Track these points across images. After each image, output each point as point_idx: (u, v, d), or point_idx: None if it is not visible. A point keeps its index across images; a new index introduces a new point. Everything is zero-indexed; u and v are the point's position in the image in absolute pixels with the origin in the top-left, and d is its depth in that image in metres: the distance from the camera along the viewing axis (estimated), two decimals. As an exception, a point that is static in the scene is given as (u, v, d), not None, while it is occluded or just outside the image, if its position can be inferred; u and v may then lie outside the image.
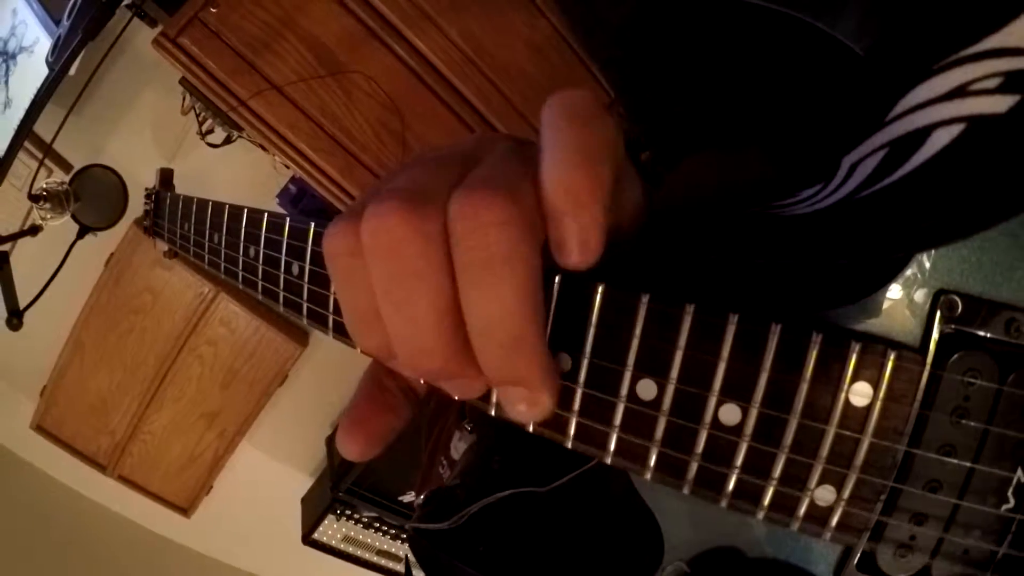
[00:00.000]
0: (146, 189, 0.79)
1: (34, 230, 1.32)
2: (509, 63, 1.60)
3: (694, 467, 0.24)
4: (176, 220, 0.59)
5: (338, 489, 2.05)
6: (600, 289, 0.24)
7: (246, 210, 0.40)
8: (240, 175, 1.99)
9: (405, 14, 1.52)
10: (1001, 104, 0.20)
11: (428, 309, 0.22)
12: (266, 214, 0.37)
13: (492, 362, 0.23)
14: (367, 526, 2.21)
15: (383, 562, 2.28)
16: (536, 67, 1.62)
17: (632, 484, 0.29)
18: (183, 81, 1.54)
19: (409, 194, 0.22)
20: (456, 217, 0.22)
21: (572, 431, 0.25)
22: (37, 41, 1.49)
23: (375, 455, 0.28)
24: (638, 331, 0.24)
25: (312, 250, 0.33)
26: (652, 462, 0.24)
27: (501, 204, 0.21)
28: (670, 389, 0.23)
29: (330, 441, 2.32)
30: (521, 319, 0.22)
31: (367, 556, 2.26)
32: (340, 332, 0.31)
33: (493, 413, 0.26)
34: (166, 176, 0.81)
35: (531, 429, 0.26)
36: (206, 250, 0.48)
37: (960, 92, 0.21)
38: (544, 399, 0.24)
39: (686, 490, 0.24)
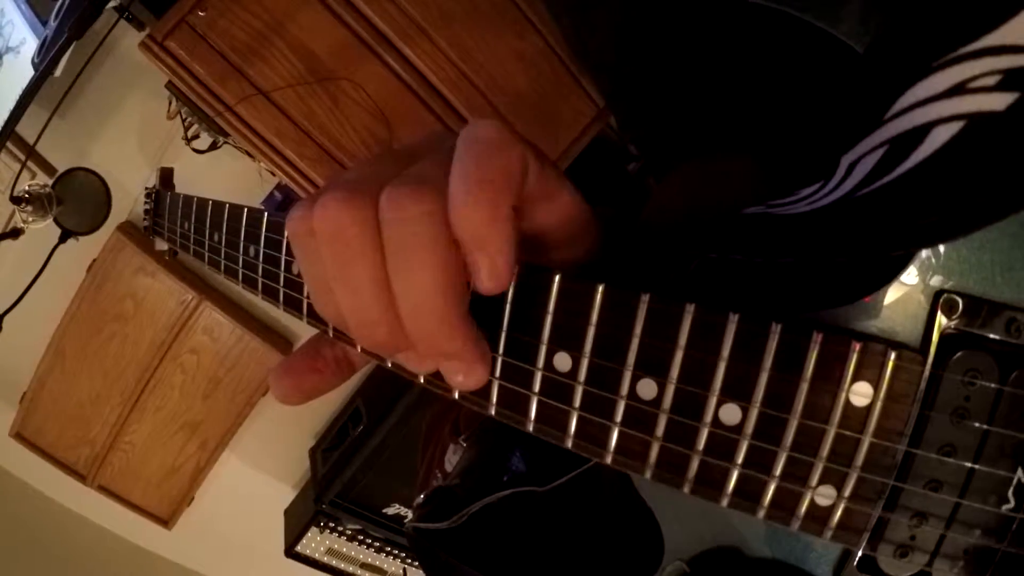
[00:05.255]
0: (146, 188, 0.79)
1: (15, 233, 1.31)
2: (498, 73, 1.61)
3: (694, 467, 0.23)
4: (176, 219, 0.59)
5: (322, 501, 2.03)
6: (600, 289, 0.24)
7: (246, 209, 0.40)
8: (225, 181, 1.98)
9: (394, 23, 1.52)
10: (1000, 102, 0.20)
11: (367, 284, 0.25)
12: (266, 213, 0.37)
13: (420, 340, 0.25)
14: (351, 539, 2.18)
15: (367, 575, 2.26)
16: (525, 77, 1.62)
17: (632, 484, 0.29)
18: (169, 85, 1.53)
19: (350, 185, 0.25)
20: (383, 208, 0.24)
21: (572, 430, 0.25)
22: (24, 42, 1.48)
23: (294, 404, 0.32)
24: (638, 330, 0.24)
25: None
26: (652, 461, 0.24)
27: (420, 198, 0.24)
28: (670, 389, 0.23)
29: (314, 453, 2.29)
30: (439, 302, 0.24)
31: (351, 569, 2.24)
32: (339, 331, 0.31)
33: (493, 413, 0.26)
34: (166, 175, 0.81)
35: (531, 429, 0.26)
36: (206, 249, 0.48)
37: (959, 90, 0.21)
38: (478, 369, 0.26)
39: (686, 489, 0.24)
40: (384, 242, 0.24)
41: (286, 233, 0.30)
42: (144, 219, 0.80)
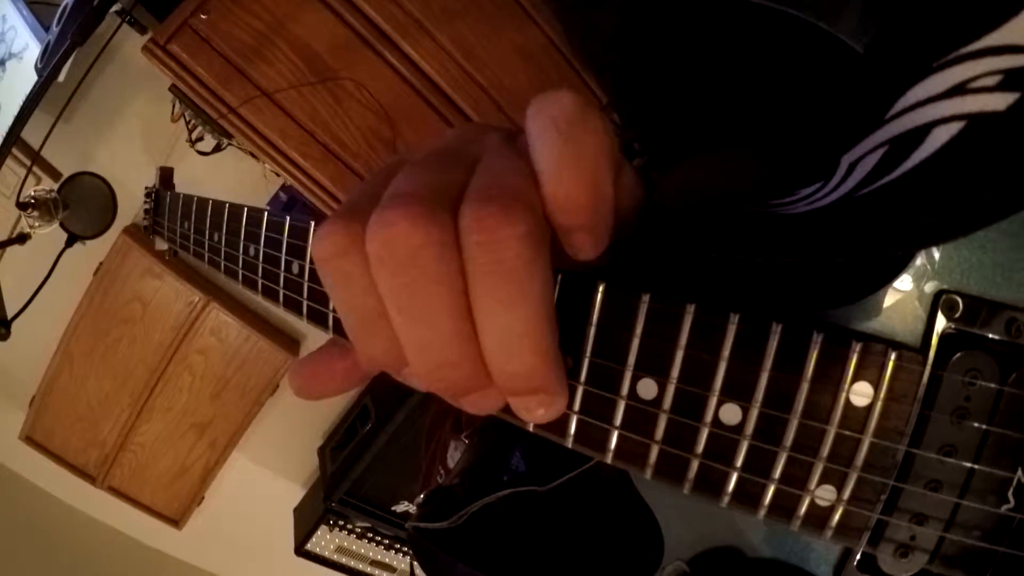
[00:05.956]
0: (146, 188, 0.79)
1: (22, 238, 1.31)
2: (500, 70, 1.61)
3: (695, 467, 0.23)
4: (176, 219, 0.59)
5: (331, 499, 2.04)
6: (601, 288, 0.24)
7: (246, 209, 0.40)
8: (230, 183, 1.98)
9: (397, 21, 1.53)
10: (1001, 102, 0.20)
11: (447, 318, 0.22)
12: (266, 213, 0.37)
13: (509, 378, 0.22)
14: (360, 536, 2.20)
15: (377, 572, 2.27)
16: (528, 74, 1.62)
17: (632, 483, 0.29)
18: (173, 88, 1.53)
19: (419, 201, 0.21)
20: (471, 230, 0.21)
21: (573, 430, 0.25)
22: (27, 47, 1.49)
23: (313, 399, 0.30)
24: (639, 330, 0.24)
25: None
26: (652, 461, 0.24)
27: (517, 216, 0.21)
28: (671, 389, 0.23)
29: (322, 451, 2.30)
30: (542, 329, 0.22)
31: (361, 567, 2.25)
32: (340, 331, 0.31)
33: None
34: (166, 175, 0.81)
35: (531, 429, 0.26)
36: (206, 248, 0.48)
37: (959, 90, 0.21)
38: (562, 401, 0.24)
39: (686, 490, 0.24)
40: (469, 268, 0.21)
41: (311, 254, 0.28)
42: (144, 219, 0.80)
